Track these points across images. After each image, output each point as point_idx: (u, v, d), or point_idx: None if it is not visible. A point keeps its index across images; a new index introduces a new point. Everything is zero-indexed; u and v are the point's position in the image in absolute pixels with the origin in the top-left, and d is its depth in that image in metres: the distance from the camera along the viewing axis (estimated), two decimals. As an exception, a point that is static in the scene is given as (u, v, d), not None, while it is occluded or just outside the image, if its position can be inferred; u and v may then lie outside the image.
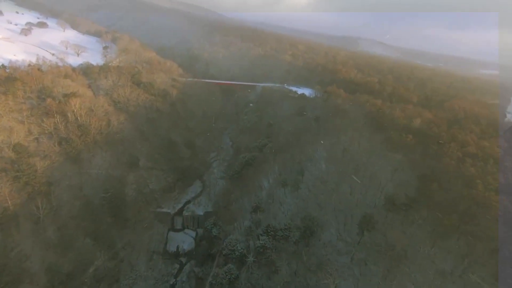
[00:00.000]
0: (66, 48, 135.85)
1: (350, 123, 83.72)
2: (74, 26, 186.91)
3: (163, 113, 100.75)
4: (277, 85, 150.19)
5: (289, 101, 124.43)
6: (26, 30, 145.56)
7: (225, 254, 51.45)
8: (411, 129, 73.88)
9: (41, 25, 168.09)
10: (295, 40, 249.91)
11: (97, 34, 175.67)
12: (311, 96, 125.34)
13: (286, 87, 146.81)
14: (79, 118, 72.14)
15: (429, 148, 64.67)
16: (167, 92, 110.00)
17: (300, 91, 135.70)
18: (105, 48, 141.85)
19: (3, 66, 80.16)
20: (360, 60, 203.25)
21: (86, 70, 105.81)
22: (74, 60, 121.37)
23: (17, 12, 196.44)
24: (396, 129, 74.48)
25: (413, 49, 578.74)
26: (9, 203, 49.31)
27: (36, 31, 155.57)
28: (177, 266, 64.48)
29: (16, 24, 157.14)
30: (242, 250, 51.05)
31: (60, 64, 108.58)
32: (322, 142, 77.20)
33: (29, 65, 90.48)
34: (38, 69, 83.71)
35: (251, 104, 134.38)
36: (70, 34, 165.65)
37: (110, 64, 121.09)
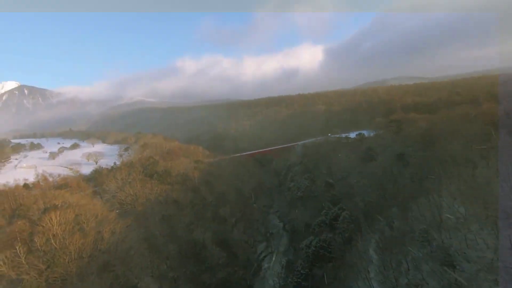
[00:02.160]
0: (88, 160, 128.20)
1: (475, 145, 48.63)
2: (105, 140, 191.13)
3: (183, 204, 74.72)
4: (320, 138, 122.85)
5: (343, 149, 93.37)
6: (54, 154, 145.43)
7: None
8: None
9: (74, 146, 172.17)
10: (321, 94, 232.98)
11: (124, 141, 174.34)
12: (371, 135, 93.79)
13: (332, 136, 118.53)
14: (52, 240, 48.14)
15: None
16: (188, 177, 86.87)
17: (351, 135, 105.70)
18: (125, 149, 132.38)
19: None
20: (407, 88, 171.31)
21: (95, 175, 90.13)
22: (90, 169, 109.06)
23: (59, 143, 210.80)
24: None
25: (453, 74, 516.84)
26: None
27: (66, 152, 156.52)
28: None
29: (50, 152, 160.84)
30: None
31: (72, 175, 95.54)
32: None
33: (25, 184, 75.67)
34: (24, 186, 66.86)
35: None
36: (98, 148, 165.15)
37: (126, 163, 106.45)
